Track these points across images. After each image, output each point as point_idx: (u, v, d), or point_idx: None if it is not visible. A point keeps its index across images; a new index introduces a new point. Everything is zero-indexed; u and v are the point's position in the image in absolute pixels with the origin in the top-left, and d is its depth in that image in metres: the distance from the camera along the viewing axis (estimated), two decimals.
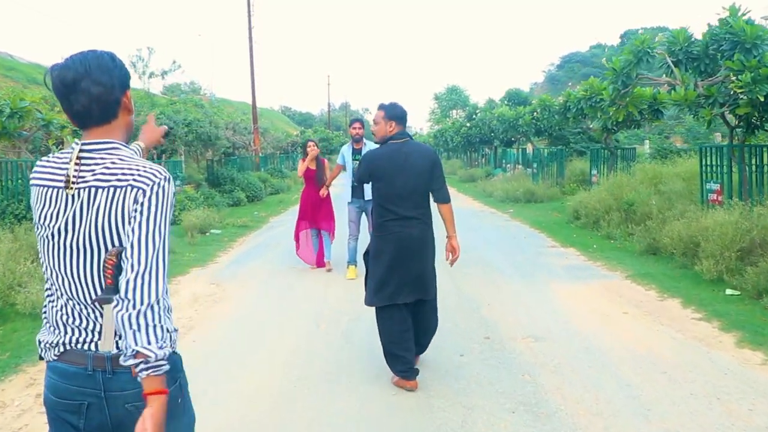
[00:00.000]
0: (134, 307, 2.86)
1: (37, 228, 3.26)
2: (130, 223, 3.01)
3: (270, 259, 17.65)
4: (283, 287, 13.89)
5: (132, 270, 2.91)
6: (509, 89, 59.21)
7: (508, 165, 50.28)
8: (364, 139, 14.74)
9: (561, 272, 14.94)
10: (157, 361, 2.88)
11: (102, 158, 3.12)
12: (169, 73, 32.38)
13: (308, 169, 15.80)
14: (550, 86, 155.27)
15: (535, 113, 37.11)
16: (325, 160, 16.36)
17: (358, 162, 12.52)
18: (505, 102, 53.46)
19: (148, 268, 2.92)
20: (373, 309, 8.39)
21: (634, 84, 18.88)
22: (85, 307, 3.19)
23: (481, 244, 19.30)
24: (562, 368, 8.66)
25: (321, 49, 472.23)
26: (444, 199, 8.37)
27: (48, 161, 3.30)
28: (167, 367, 2.95)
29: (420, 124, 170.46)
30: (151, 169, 3.11)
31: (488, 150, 62.25)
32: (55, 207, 3.15)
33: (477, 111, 62.97)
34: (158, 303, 2.92)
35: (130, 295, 2.87)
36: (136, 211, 3.00)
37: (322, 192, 15.29)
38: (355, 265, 14.72)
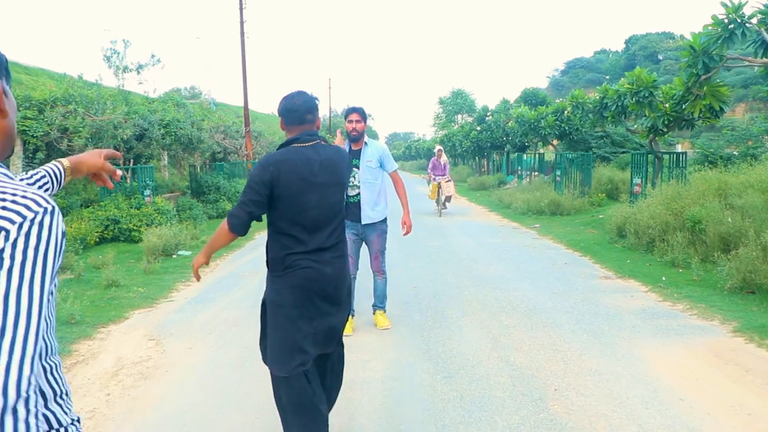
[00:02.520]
0: None
1: None
2: None
3: (242, 297, 13.38)
4: (253, 350, 9.09)
5: None
6: (525, 88, 55.59)
7: (524, 172, 46.50)
8: (367, 137, 10.66)
9: (639, 323, 10.86)
10: None
11: None
12: (145, 67, 28.39)
13: None
14: (554, 91, 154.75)
15: (566, 112, 32.93)
16: None
17: (356, 168, 10.27)
18: (522, 103, 49.43)
19: (7, 348, 1.86)
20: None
21: (717, 67, 14.48)
22: None
23: (514, 275, 15.21)
24: None
25: (323, 53, 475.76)
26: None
27: None
28: None
29: (423, 129, 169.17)
30: (24, 198, 2.07)
31: (496, 156, 59.37)
32: None
33: (488, 113, 59.02)
34: (25, 403, 1.86)
35: None
36: None
37: None
38: (352, 316, 10.70)
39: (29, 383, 1.90)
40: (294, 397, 5.84)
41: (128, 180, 23.90)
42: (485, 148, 58.42)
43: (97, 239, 20.33)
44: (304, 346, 5.78)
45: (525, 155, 48.64)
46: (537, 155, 45.53)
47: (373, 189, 10.39)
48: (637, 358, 8.99)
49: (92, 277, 15.11)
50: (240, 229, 5.70)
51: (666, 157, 23.01)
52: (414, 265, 16.34)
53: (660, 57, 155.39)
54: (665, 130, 21.20)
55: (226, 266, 17.26)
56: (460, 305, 12.22)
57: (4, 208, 2.02)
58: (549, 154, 46.60)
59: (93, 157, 3.57)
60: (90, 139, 21.34)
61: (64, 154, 20.47)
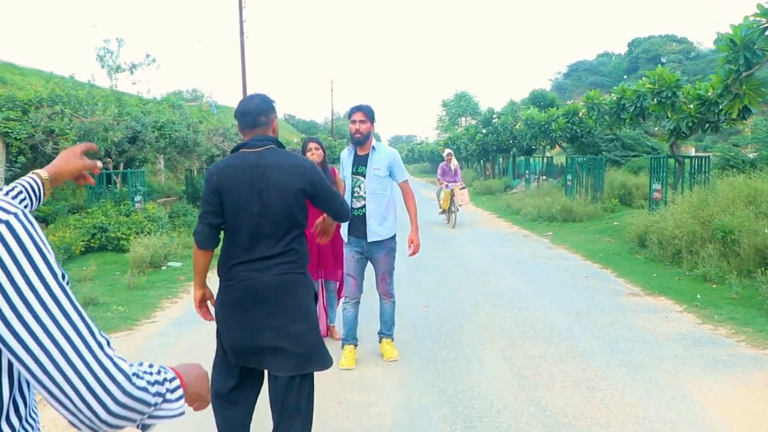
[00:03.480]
0: None
1: None
2: None
3: None
4: None
5: (73, 405, 1.74)
6: (533, 90, 54.38)
7: (533, 176, 45.02)
8: (375, 140, 9.30)
9: (682, 353, 9.46)
10: None
11: None
12: (139, 66, 27.24)
13: None
14: (557, 94, 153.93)
15: (580, 113, 31.49)
16: (337, 171, 10.42)
17: (361, 177, 9.09)
18: (530, 104, 48.22)
19: (94, 393, 1.75)
20: None
21: (761, 63, 13.15)
22: None
23: (532, 291, 13.84)
24: None
25: (325, 55, 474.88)
26: (347, 217, 6.20)
27: None
28: None
29: (426, 132, 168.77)
30: None
31: (502, 159, 58.14)
32: None
33: (495, 115, 57.70)
34: (136, 391, 1.85)
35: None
36: None
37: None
38: (355, 346, 9.42)
39: (128, 382, 1.80)
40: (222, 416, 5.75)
41: (118, 185, 22.60)
42: (491, 152, 57.12)
43: (83, 248, 18.96)
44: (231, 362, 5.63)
45: (532, 159, 47.39)
46: (545, 159, 44.32)
47: (380, 201, 9.00)
48: (689, 399, 7.66)
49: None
50: (207, 243, 5.53)
51: (687, 161, 21.55)
52: (422, 279, 14.89)
53: (663, 60, 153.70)
54: (688, 132, 19.80)
55: (215, 283, 15.83)
56: (476, 329, 10.84)
57: None
58: (557, 157, 46.07)
59: (70, 159, 3.33)
60: (78, 142, 19.61)
61: (49, 158, 19.03)
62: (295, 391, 5.63)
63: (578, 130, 33.60)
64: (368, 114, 8.93)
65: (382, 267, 9.18)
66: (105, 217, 19.98)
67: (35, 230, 1.80)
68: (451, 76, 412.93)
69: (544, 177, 42.50)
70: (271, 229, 5.42)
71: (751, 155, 28.06)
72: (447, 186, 26.76)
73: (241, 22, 41.67)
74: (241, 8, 41.89)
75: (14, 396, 1.89)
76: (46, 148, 19.47)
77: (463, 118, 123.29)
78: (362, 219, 8.96)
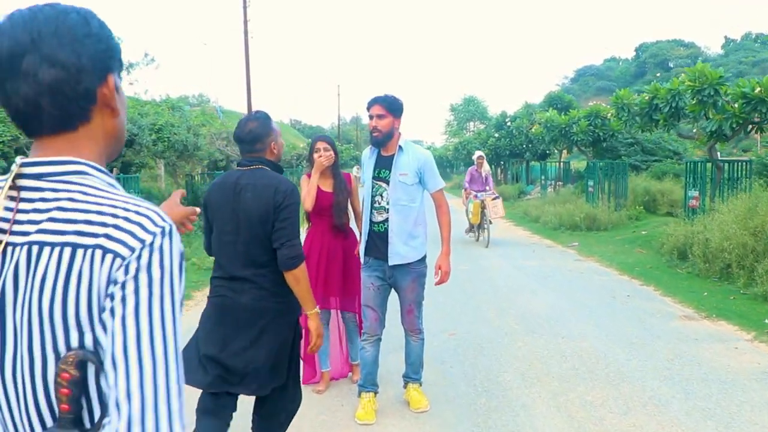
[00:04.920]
0: None
1: None
2: (101, 321, 1.67)
3: None
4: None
5: (120, 411, 1.60)
6: (550, 92, 52.99)
7: (549, 182, 43.51)
8: (403, 138, 7.36)
9: None
10: None
11: (54, 191, 1.74)
12: (136, 66, 26.01)
13: (320, 193, 7.95)
14: (559, 102, 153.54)
15: (609, 114, 29.45)
16: (352, 177, 8.49)
17: (384, 183, 7.23)
18: (547, 107, 46.75)
19: (148, 406, 1.61)
20: None
21: None
22: None
23: (571, 313, 12.09)
24: None
25: (332, 60, 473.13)
26: (285, 264, 5.19)
27: None
28: None
29: (433, 137, 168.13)
30: (138, 215, 1.73)
31: (514, 164, 56.82)
32: None
33: (507, 119, 56.08)
34: None
35: None
36: (112, 299, 1.65)
37: (357, 250, 8.04)
38: (375, 394, 7.52)
39: None
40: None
41: None
42: (503, 156, 55.59)
43: None
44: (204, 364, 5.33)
45: (548, 163, 45.90)
46: (562, 164, 42.72)
47: (407, 215, 7.11)
48: None
49: None
50: (210, 251, 5.64)
51: (726, 166, 19.78)
52: (444, 300, 12.74)
53: (671, 65, 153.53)
54: (730, 134, 18.02)
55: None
56: (516, 365, 9.06)
57: (118, 227, 1.69)
58: (574, 162, 44.28)
59: (173, 208, 3.29)
60: None
61: None
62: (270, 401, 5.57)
63: (600, 133, 31.78)
64: (390, 106, 7.06)
65: (408, 297, 7.31)
66: None
67: (178, 259, 1.75)
68: (458, 80, 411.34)
69: (561, 182, 40.97)
70: (243, 249, 5.28)
71: None
72: (476, 196, 21.80)
73: (245, 22, 40.21)
74: (245, 7, 40.52)
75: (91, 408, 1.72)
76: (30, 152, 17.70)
77: (471, 123, 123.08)
78: (383, 236, 7.12)
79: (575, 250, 20.79)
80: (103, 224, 1.68)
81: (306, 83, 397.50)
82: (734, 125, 17.04)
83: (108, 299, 1.64)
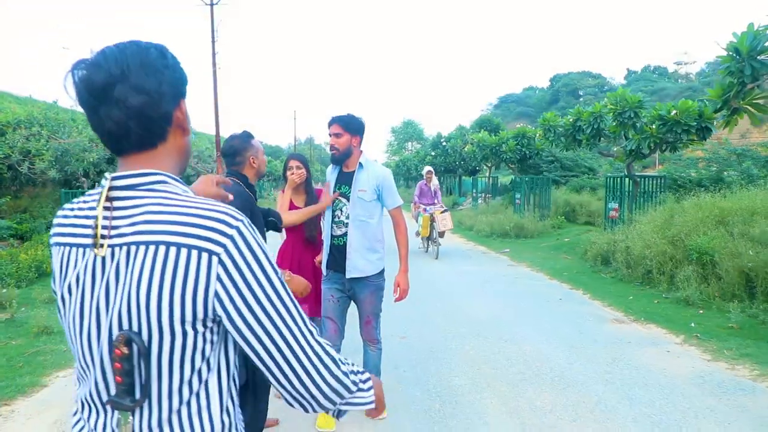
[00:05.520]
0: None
1: (60, 309, 1.96)
2: (229, 317, 1.80)
3: None
4: None
5: (292, 387, 1.91)
6: (481, 115, 53.25)
7: (479, 194, 43.30)
8: (364, 157, 6.51)
9: (713, 403, 6.96)
10: None
11: (143, 198, 1.85)
12: None
13: (293, 208, 7.30)
14: (488, 124, 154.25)
15: (537, 135, 28.73)
16: (325, 192, 7.06)
17: (345, 198, 6.49)
18: (478, 128, 46.82)
19: (310, 375, 1.92)
20: None
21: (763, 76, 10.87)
22: (99, 411, 1.92)
23: (512, 317, 11.27)
24: None
25: (288, 87, 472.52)
26: None
27: (72, 208, 2.01)
28: None
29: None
30: (218, 212, 1.83)
31: (448, 179, 55.87)
32: (80, 277, 1.87)
33: (443, 139, 55.78)
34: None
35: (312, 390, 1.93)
36: (226, 296, 1.78)
37: (317, 259, 7.56)
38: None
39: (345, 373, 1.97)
40: None
41: None
42: (438, 172, 54.36)
43: None
44: None
45: (480, 178, 45.47)
46: (490, 179, 42.29)
47: (365, 230, 6.31)
48: None
49: (28, 317, 10.95)
50: None
51: (644, 181, 19.20)
52: (394, 305, 11.75)
53: (581, 93, 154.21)
54: (647, 152, 17.43)
55: None
56: (466, 370, 8.20)
57: (204, 227, 1.78)
58: (500, 176, 44.22)
59: (208, 187, 3.00)
60: (54, 162, 18.21)
61: (26, 177, 18.09)
62: None
63: (527, 152, 31.60)
64: (347, 125, 6.26)
65: (366, 309, 6.52)
66: None
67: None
68: (396, 104, 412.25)
69: (489, 195, 40.56)
70: None
71: (692, 173, 25.78)
72: (426, 210, 20.09)
73: (213, 54, 39.38)
74: (213, 42, 39.73)
75: (230, 389, 1.94)
76: (22, 168, 17.56)
77: (409, 143, 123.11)
78: (342, 250, 6.34)
79: (507, 256, 19.99)
80: (190, 224, 1.76)
81: (266, 108, 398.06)
82: (651, 144, 16.50)
83: (216, 299, 1.75)
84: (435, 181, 20.47)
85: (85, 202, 1.94)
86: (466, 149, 40.78)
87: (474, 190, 45.23)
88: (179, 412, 1.81)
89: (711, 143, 25.41)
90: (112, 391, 1.82)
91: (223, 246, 1.75)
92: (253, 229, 1.85)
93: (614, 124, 17.69)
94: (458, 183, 51.16)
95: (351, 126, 6.28)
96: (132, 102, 1.80)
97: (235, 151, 5.34)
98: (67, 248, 1.91)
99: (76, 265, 1.87)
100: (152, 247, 1.74)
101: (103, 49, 1.83)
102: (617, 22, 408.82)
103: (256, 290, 1.78)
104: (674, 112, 15.75)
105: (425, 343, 9.48)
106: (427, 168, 20.25)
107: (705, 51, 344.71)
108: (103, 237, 1.80)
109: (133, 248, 1.76)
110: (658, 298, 12.52)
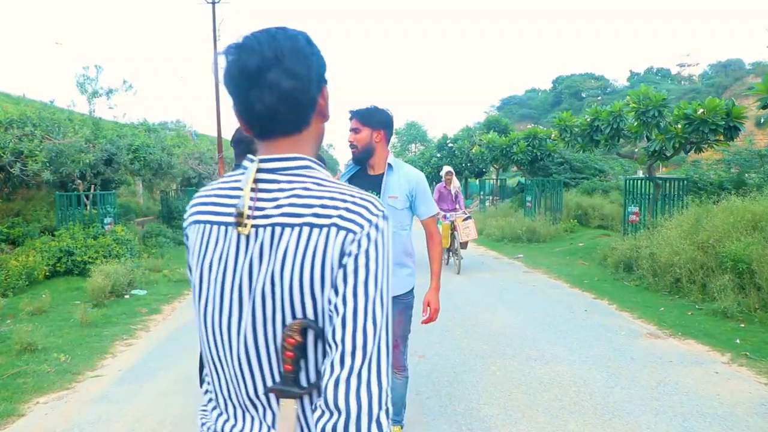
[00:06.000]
0: (351, 423, 1.67)
1: (197, 286, 1.96)
2: (334, 286, 1.76)
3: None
4: None
5: (342, 364, 1.71)
6: (489, 116, 52.37)
7: (487, 197, 42.85)
8: (393, 157, 5.49)
9: None
10: None
11: (290, 182, 1.87)
12: (115, 92, 24.58)
13: None
14: (497, 125, 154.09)
15: (552, 136, 27.99)
16: None
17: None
18: (486, 129, 46.03)
19: (368, 362, 1.72)
20: None
21: None
22: (253, 403, 1.90)
23: (538, 332, 10.34)
24: None
25: None
26: None
27: (211, 189, 2.05)
28: None
29: None
30: (362, 200, 1.83)
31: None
32: (223, 254, 1.90)
33: (449, 141, 54.96)
34: (386, 414, 1.74)
35: (342, 404, 1.68)
36: (344, 268, 1.75)
37: None
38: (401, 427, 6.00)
39: (388, 395, 1.76)
40: None
41: (87, 207, 19.29)
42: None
43: (48, 273, 15.60)
44: None
45: (487, 180, 45.00)
46: (497, 181, 41.63)
47: (395, 243, 5.19)
48: None
49: (11, 332, 10.08)
50: None
51: (666, 184, 18.28)
52: (419, 323, 10.93)
53: (583, 95, 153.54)
54: (669, 154, 16.55)
55: (186, 311, 12.26)
56: (496, 395, 7.30)
57: (348, 210, 1.78)
58: (508, 179, 43.68)
59: None
60: (48, 164, 17.29)
61: (19, 179, 17.31)
62: None
63: (538, 153, 30.56)
64: (364, 118, 5.30)
65: (394, 330, 5.48)
66: (72, 240, 16.74)
67: (390, 228, 1.85)
68: (398, 106, 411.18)
69: (497, 198, 39.91)
70: None
71: (712, 175, 24.95)
72: (446, 217, 17.31)
73: (215, 54, 37.62)
74: (215, 40, 39.20)
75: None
76: (14, 169, 16.62)
77: (413, 144, 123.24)
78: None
79: (521, 262, 19.17)
80: (335, 207, 1.76)
81: None
82: (676, 145, 15.60)
83: (341, 270, 1.71)
84: (456, 182, 17.81)
85: (225, 182, 1.98)
86: (473, 150, 40.07)
87: (481, 193, 44.64)
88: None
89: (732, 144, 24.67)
90: (268, 382, 1.83)
91: (362, 227, 1.74)
92: (388, 223, 1.84)
93: (636, 123, 16.76)
94: (465, 185, 49.97)
95: (371, 119, 5.30)
96: (284, 86, 1.80)
97: (253, 138, 4.29)
98: (209, 226, 1.93)
99: (217, 243, 1.89)
100: (297, 229, 1.75)
101: (254, 34, 1.83)
102: (620, 23, 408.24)
103: (370, 276, 1.73)
104: (701, 110, 14.82)
105: (447, 364, 8.58)
106: (447, 168, 17.72)
107: (708, 53, 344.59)
108: (249, 216, 1.81)
109: (278, 229, 1.78)
110: (691, 309, 11.62)
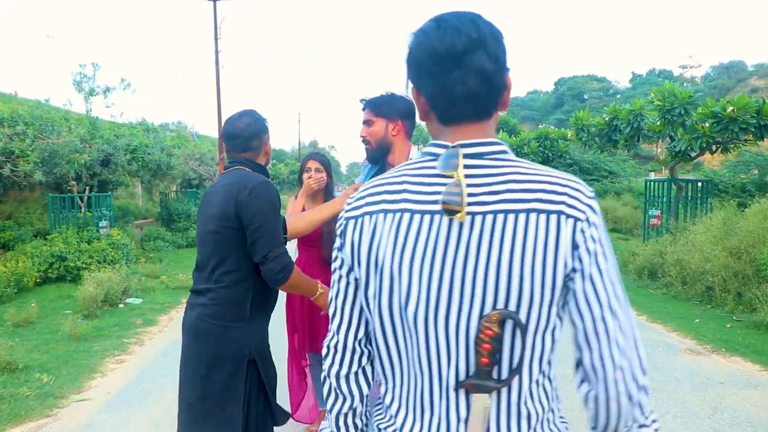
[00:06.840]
0: (620, 391, 1.65)
1: (391, 278, 1.78)
2: (573, 278, 1.68)
3: None
4: None
5: (599, 339, 1.67)
6: (498, 116, 52.22)
7: None
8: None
9: None
10: None
11: (497, 167, 1.75)
12: (112, 91, 23.80)
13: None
14: (506, 125, 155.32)
15: (569, 136, 27.22)
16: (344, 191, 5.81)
17: None
18: (496, 130, 45.72)
19: (624, 336, 1.67)
20: None
21: None
22: (444, 399, 1.76)
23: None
24: None
25: (293, 89, 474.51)
26: (274, 280, 3.77)
27: (387, 180, 1.87)
28: None
29: None
30: (576, 183, 1.73)
31: None
32: (429, 243, 1.73)
33: None
34: (646, 385, 1.69)
35: (610, 373, 1.67)
36: (580, 259, 1.67)
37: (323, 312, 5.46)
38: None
39: (645, 368, 1.70)
40: None
41: (82, 210, 18.47)
42: None
43: (40, 279, 14.80)
44: None
45: None
46: None
47: None
48: None
49: None
50: None
51: (689, 186, 17.49)
52: None
53: (585, 96, 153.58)
54: (694, 154, 15.75)
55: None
56: None
57: (570, 196, 1.68)
58: None
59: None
60: (41, 164, 16.37)
61: (10, 181, 16.25)
62: None
63: (549, 154, 29.93)
64: (377, 108, 4.29)
65: None
66: (65, 244, 15.93)
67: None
68: None
69: None
70: (202, 259, 3.88)
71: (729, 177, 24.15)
72: None
73: (216, 52, 38.21)
74: (216, 39, 38.37)
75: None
76: (3, 170, 15.68)
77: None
78: None
79: None
80: (557, 192, 1.67)
81: (270, 110, 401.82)
82: (703, 145, 14.78)
83: (577, 260, 1.65)
84: None
85: (404, 171, 1.83)
86: None
87: None
88: (531, 388, 1.71)
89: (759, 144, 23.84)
90: (461, 376, 1.70)
91: (584, 212, 1.67)
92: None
93: (659, 122, 15.95)
94: None
95: (386, 109, 4.28)
96: (487, 69, 1.71)
97: (252, 133, 4.05)
98: (407, 215, 1.75)
99: (419, 232, 1.72)
100: (522, 216, 1.65)
101: (452, 15, 1.75)
102: (622, 25, 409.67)
103: (610, 263, 1.67)
104: (731, 108, 14.00)
105: None
106: None
107: (710, 54, 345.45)
108: (468, 203, 1.68)
109: (500, 216, 1.66)
110: (729, 321, 10.78)
